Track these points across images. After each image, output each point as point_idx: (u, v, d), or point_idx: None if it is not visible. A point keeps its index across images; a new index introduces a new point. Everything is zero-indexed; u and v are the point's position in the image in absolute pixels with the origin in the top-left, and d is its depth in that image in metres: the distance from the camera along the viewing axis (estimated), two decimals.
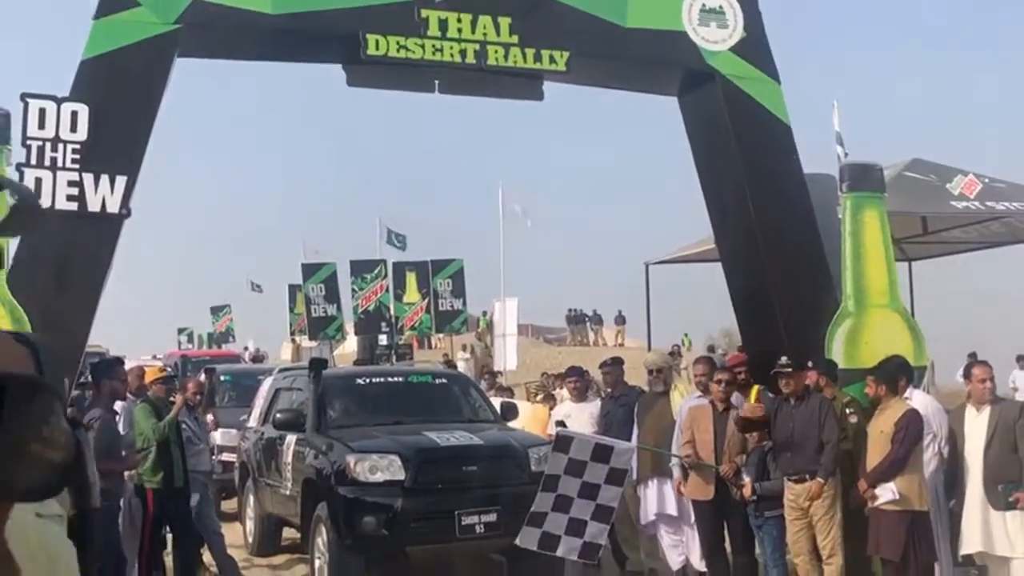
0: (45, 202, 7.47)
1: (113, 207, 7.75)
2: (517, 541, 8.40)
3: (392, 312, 28.54)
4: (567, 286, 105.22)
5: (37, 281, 7.52)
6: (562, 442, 8.45)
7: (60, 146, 7.60)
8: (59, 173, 7.60)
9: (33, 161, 7.54)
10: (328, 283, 29.63)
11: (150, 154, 8.04)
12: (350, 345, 35.65)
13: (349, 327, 32.26)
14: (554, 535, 8.36)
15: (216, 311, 48.20)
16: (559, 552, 8.44)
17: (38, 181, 7.52)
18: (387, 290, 28.55)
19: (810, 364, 8.43)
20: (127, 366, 9.91)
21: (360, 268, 28.94)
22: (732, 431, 8.55)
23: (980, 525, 7.73)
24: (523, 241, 66.81)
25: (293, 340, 39.56)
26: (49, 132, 7.58)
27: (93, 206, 7.68)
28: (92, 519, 1.08)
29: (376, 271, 28.81)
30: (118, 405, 8.67)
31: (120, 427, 8.68)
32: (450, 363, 21.43)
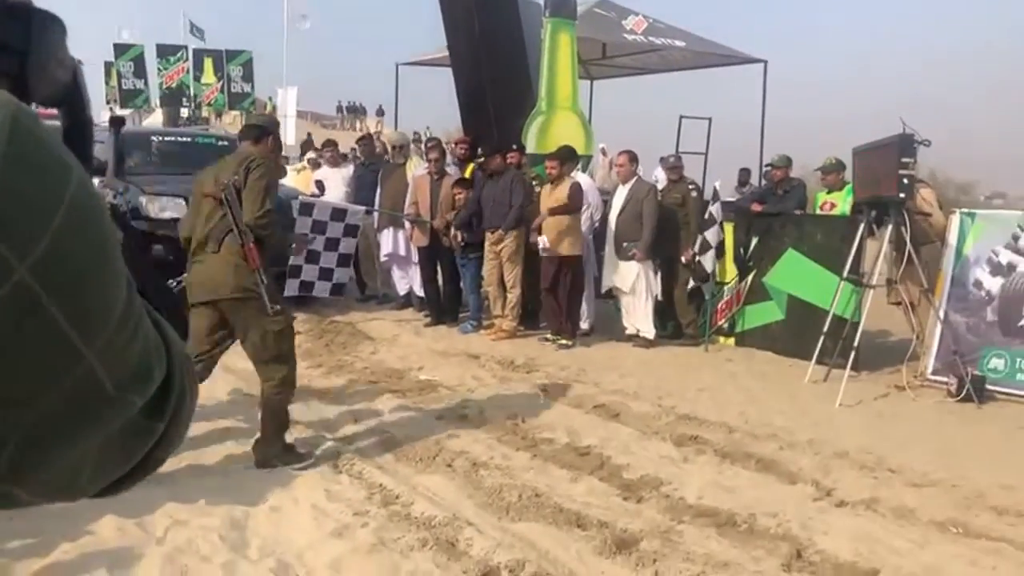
0: None
1: None
2: (285, 293, 8.35)
3: (192, 91, 26.72)
4: (340, 79, 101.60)
5: None
6: (305, 207, 8.39)
7: None
8: None
9: None
10: (136, 61, 27.22)
11: None
12: (157, 117, 33.23)
13: (156, 102, 29.98)
14: (310, 282, 8.49)
15: None
16: (315, 292, 8.63)
17: None
18: (187, 72, 26.60)
19: (515, 147, 8.53)
20: None
21: (165, 51, 26.87)
22: (445, 194, 8.56)
23: (612, 269, 8.20)
24: (304, 38, 63.04)
25: (109, 108, 36.36)
26: None
27: None
28: (89, 130, 0.81)
29: (178, 55, 26.73)
30: None
31: None
32: None
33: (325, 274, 8.55)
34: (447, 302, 8.94)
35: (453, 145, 10.09)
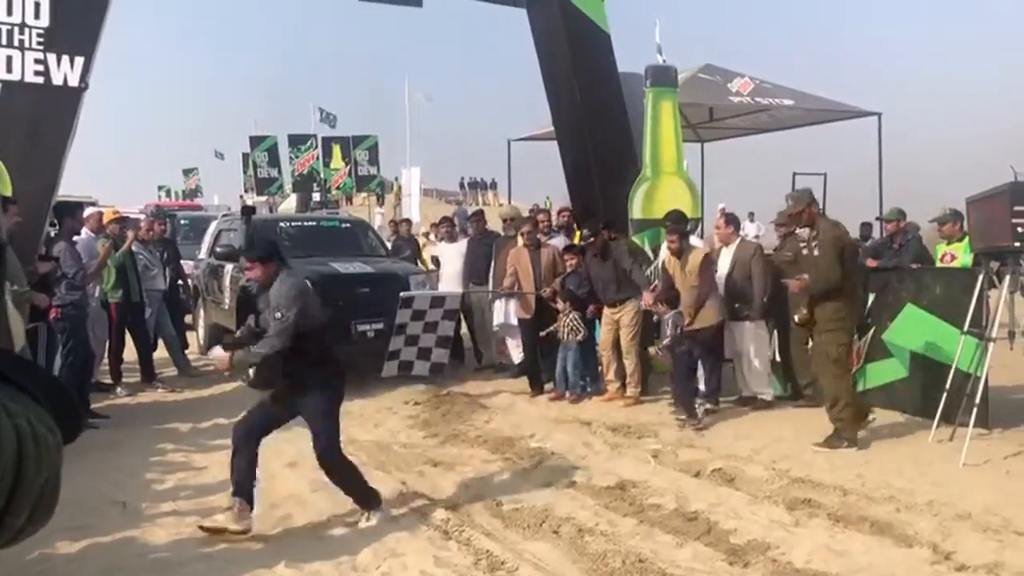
0: (15, 76, 7.14)
1: (73, 81, 7.43)
2: (381, 374, 8.58)
3: (322, 176, 28.27)
4: (462, 156, 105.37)
5: (12, 139, 7.22)
6: (406, 301, 8.47)
7: (26, 30, 7.22)
8: (27, 52, 7.23)
9: (3, 42, 7.15)
10: (271, 151, 29.09)
11: (115, 36, 7.62)
12: (291, 202, 35.13)
13: (290, 188, 31.78)
14: (408, 361, 8.57)
15: (187, 172, 46.57)
16: (414, 372, 8.66)
17: (8, 59, 7.16)
18: (317, 159, 28.19)
19: (602, 226, 8.58)
20: (89, 211, 9.39)
21: (296, 140, 28.54)
22: (547, 263, 8.69)
23: (727, 332, 8.07)
24: (427, 119, 65.50)
25: (241, 197, 38.70)
26: (16, 18, 7.18)
27: (56, 80, 7.36)
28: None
29: (308, 143, 28.36)
30: (82, 239, 8.29)
31: (84, 258, 8.35)
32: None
33: (423, 354, 8.64)
34: (549, 370, 8.83)
35: (556, 214, 10.34)
